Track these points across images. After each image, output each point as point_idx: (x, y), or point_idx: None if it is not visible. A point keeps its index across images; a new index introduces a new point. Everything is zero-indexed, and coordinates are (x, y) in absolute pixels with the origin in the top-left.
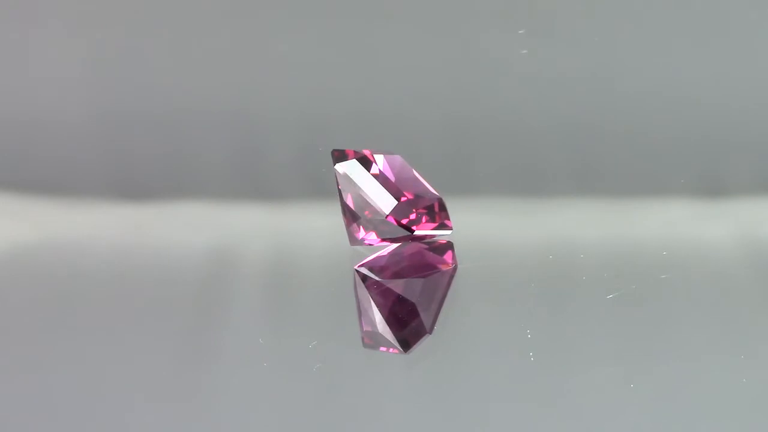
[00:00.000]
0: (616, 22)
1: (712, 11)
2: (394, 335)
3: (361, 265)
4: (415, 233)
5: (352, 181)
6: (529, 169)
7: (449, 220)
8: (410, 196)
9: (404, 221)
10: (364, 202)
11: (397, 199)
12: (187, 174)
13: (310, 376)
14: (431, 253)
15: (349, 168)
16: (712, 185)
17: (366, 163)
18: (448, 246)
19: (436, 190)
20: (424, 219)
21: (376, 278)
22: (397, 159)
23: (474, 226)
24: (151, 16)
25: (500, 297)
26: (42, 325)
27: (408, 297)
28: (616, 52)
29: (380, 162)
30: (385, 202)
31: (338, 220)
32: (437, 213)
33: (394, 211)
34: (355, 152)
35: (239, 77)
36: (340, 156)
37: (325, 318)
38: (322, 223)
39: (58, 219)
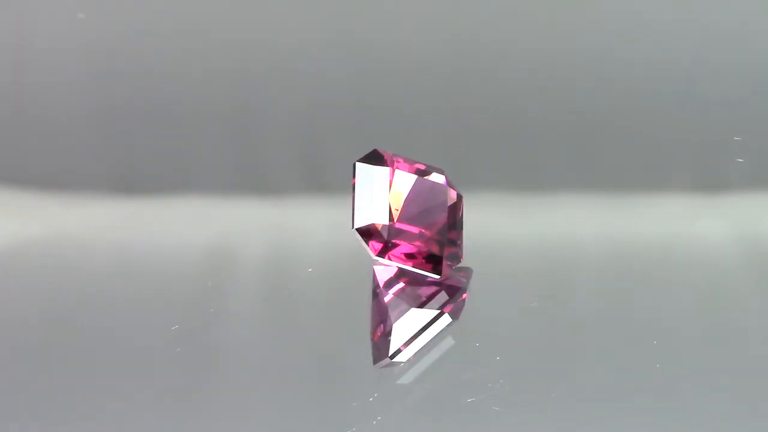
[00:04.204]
0: (614, 15)
1: (712, 3)
2: (372, 344)
3: (378, 266)
4: (380, 261)
5: (355, 183)
6: (526, 164)
7: (445, 269)
8: (402, 227)
9: (376, 245)
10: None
11: (377, 221)
12: (187, 169)
13: (310, 375)
14: (443, 292)
15: (362, 170)
16: (711, 181)
17: (382, 175)
18: (461, 295)
19: (464, 247)
20: (409, 253)
21: (380, 286)
22: (441, 191)
23: (470, 223)
24: (150, 9)
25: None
26: (42, 320)
27: (389, 317)
28: (614, 45)
29: (405, 181)
30: (361, 216)
31: (339, 215)
32: (434, 258)
33: (362, 230)
34: (391, 161)
35: (239, 70)
36: (371, 156)
37: (326, 313)
38: (323, 218)
39: (57, 214)
